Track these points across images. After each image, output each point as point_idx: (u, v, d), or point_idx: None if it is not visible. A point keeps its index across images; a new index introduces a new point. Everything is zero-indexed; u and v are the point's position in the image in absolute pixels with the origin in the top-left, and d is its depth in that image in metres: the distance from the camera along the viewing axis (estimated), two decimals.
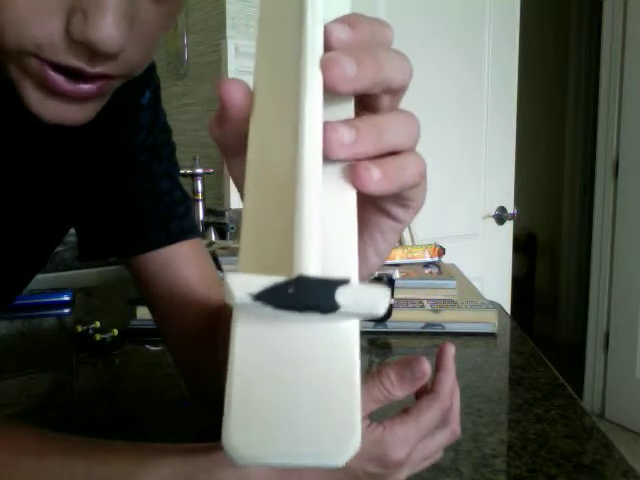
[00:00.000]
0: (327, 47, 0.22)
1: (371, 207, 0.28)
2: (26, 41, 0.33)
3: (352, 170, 0.22)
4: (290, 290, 0.17)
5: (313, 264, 0.17)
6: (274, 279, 0.17)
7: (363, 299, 0.17)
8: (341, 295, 0.17)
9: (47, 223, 0.54)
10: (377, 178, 0.22)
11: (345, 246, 0.21)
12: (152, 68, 0.57)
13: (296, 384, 0.17)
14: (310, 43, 0.21)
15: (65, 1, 0.33)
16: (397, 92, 0.25)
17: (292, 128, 0.21)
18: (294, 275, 0.17)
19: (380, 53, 0.23)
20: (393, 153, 0.24)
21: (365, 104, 0.24)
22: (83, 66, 0.34)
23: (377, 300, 0.17)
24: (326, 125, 0.21)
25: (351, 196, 0.22)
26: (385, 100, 0.25)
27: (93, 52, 0.34)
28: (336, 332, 0.18)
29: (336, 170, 0.22)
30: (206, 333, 0.54)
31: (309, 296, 0.17)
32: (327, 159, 0.22)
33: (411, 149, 0.25)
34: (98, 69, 0.35)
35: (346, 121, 0.22)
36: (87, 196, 0.55)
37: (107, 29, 0.32)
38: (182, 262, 0.56)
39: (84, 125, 0.46)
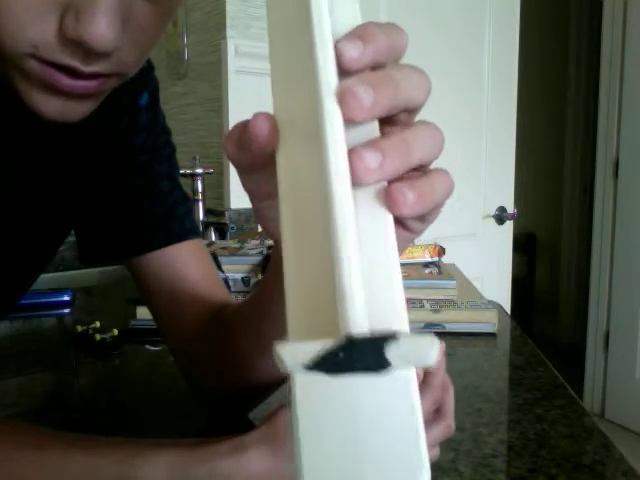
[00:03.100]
0: (340, 68, 0.21)
1: None
2: (21, 42, 0.34)
3: (386, 194, 0.22)
4: (340, 355, 0.17)
5: (359, 322, 0.17)
6: (323, 345, 0.17)
7: (412, 353, 0.17)
8: (390, 352, 0.17)
9: (48, 225, 0.54)
10: (412, 201, 0.22)
11: (389, 283, 0.20)
12: (150, 70, 0.57)
13: (362, 436, 0.17)
14: (323, 72, 0.21)
15: (58, 1, 0.33)
16: (415, 110, 0.25)
17: (319, 163, 0.20)
18: (341, 336, 0.17)
19: (397, 74, 0.22)
20: (421, 165, 0.24)
21: (382, 120, 0.24)
22: (77, 65, 0.35)
23: (426, 352, 0.17)
24: (350, 152, 0.21)
25: (388, 221, 0.22)
26: (402, 117, 0.24)
27: (86, 51, 0.34)
28: (394, 381, 0.18)
29: (369, 193, 0.22)
30: (208, 332, 0.55)
31: (359, 359, 0.17)
32: (357, 184, 0.21)
33: (434, 160, 0.25)
34: (92, 68, 0.35)
35: (370, 144, 0.22)
36: (87, 197, 0.55)
37: (99, 28, 0.32)
38: (183, 262, 0.56)
39: (83, 126, 0.46)
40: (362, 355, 0.17)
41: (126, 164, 0.55)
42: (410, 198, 0.22)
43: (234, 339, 0.51)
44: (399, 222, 0.28)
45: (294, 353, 0.17)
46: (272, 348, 0.17)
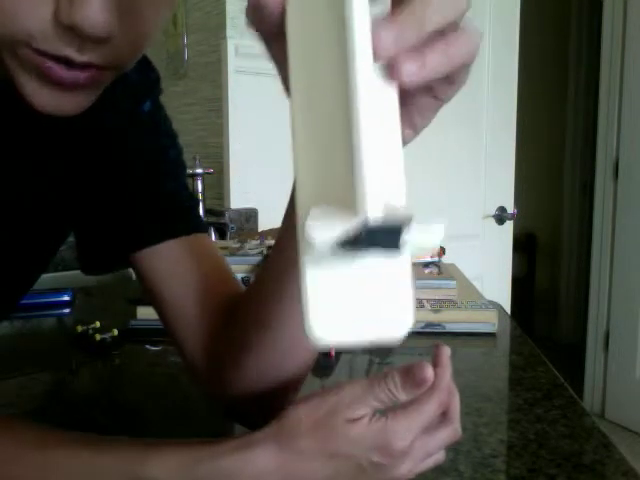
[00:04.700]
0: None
1: None
2: (17, 30, 0.33)
3: (386, 66, 0.22)
4: (363, 235, 0.18)
5: (378, 206, 0.19)
6: (348, 226, 0.18)
7: (423, 237, 0.19)
8: (405, 236, 0.19)
9: (47, 224, 0.54)
10: (415, 71, 0.22)
11: (391, 158, 0.22)
12: (156, 80, 0.57)
13: (360, 282, 0.20)
14: None
15: None
16: None
17: (338, 31, 0.21)
18: (363, 219, 0.19)
19: None
20: (443, 28, 0.24)
21: None
22: (72, 54, 0.34)
23: (434, 238, 0.19)
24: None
25: (393, 95, 0.23)
26: None
27: (81, 38, 0.34)
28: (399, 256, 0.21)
29: (377, 67, 0.22)
30: (223, 329, 0.52)
31: (378, 240, 0.19)
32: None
33: (459, 20, 0.25)
34: (87, 57, 0.35)
35: (385, 20, 0.22)
36: (88, 197, 0.55)
37: (93, 13, 0.32)
38: (194, 257, 0.54)
39: (84, 127, 0.46)
40: (381, 237, 0.19)
41: (128, 164, 0.55)
42: (412, 68, 0.22)
43: (246, 328, 0.49)
44: (426, 91, 0.28)
45: (322, 231, 0.18)
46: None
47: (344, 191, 0.20)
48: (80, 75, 0.36)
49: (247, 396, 0.51)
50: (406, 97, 0.29)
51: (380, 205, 0.19)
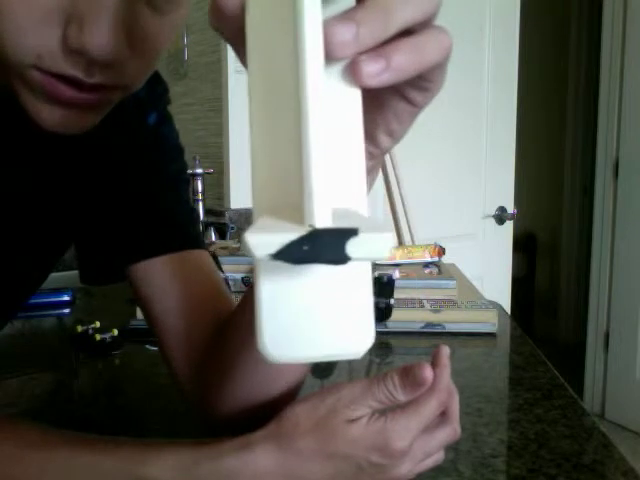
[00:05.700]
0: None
1: (385, 88, 0.24)
2: (25, 52, 0.33)
3: (350, 66, 0.21)
4: (305, 247, 0.18)
5: (324, 216, 0.18)
6: (289, 236, 0.18)
7: (369, 249, 0.18)
8: (351, 247, 0.18)
9: (48, 236, 0.54)
10: (376, 71, 0.21)
11: (350, 163, 0.21)
12: (164, 92, 0.57)
13: (317, 297, 0.20)
14: None
15: (62, 10, 0.33)
16: None
17: (291, 35, 0.20)
18: (306, 229, 0.18)
19: None
20: (411, 27, 0.22)
21: None
22: (80, 76, 0.34)
23: (381, 248, 0.18)
24: (324, 26, 0.20)
25: (356, 96, 0.22)
26: None
27: (89, 61, 0.34)
28: (352, 270, 0.20)
29: (341, 68, 0.21)
30: (212, 346, 0.51)
31: (322, 251, 0.18)
32: (331, 59, 0.21)
33: (430, 20, 0.23)
34: (96, 79, 0.35)
35: (345, 16, 0.21)
36: (89, 209, 0.54)
37: (101, 38, 0.32)
38: (187, 273, 0.53)
39: (88, 140, 0.46)
40: (325, 248, 0.18)
41: (128, 176, 0.54)
42: (374, 68, 0.21)
43: (232, 348, 0.48)
44: (396, 92, 0.27)
45: (263, 244, 0.18)
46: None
47: (296, 201, 0.19)
48: (89, 97, 0.36)
49: (237, 412, 0.50)
50: (381, 102, 0.28)
51: (326, 215, 0.18)
